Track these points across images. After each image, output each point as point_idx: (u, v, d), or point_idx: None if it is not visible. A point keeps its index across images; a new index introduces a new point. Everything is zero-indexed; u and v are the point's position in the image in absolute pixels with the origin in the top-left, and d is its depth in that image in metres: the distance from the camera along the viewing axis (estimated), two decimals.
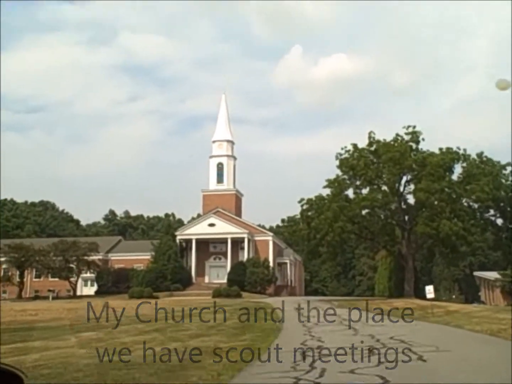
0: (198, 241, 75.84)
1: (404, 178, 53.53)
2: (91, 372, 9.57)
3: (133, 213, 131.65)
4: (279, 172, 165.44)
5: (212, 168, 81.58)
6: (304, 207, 52.44)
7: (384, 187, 53.50)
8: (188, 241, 76.51)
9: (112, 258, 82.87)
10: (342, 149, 53.84)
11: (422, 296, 56.86)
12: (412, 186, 53.37)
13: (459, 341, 13.20)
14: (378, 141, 53.24)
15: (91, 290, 76.55)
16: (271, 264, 73.89)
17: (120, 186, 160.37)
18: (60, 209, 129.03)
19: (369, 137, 53.40)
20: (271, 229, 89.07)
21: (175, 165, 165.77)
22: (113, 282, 72.61)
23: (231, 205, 78.60)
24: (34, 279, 79.96)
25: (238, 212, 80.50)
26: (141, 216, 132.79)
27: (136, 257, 79.55)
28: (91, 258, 72.57)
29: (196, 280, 74.67)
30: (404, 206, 54.57)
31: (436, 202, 49.98)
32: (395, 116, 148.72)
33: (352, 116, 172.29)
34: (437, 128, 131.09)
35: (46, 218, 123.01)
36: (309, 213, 52.40)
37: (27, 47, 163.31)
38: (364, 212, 53.38)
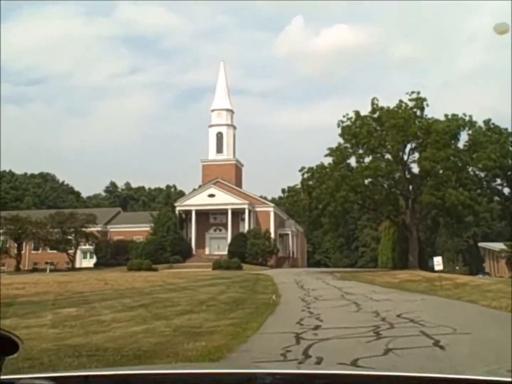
0: (198, 212, 74.39)
1: (408, 146, 51.48)
2: (42, 360, 8.07)
3: (134, 185, 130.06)
4: (280, 143, 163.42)
5: (211, 137, 79.71)
6: (305, 176, 50.72)
7: (388, 156, 51.54)
8: (188, 212, 75.07)
9: (111, 230, 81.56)
10: (344, 116, 51.91)
11: (426, 267, 55.78)
12: (416, 155, 51.53)
13: (477, 320, 11.59)
14: (382, 108, 51.18)
15: (90, 262, 75.38)
16: (272, 235, 72.54)
17: (121, 158, 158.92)
18: (60, 181, 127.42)
19: (372, 104, 51.41)
20: (273, 200, 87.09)
21: (176, 137, 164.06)
22: (112, 254, 71.37)
23: (231, 175, 76.92)
24: (32, 252, 78.79)
25: (239, 183, 78.88)
26: (142, 187, 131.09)
27: (135, 228, 78.18)
28: (89, 230, 71.21)
29: (196, 252, 73.40)
30: (408, 175, 52.77)
31: (441, 171, 48.24)
32: (397, 87, 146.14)
33: (353, 87, 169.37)
34: (441, 99, 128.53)
35: (45, 190, 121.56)
36: (310, 182, 50.65)
37: (26, 18, 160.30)
38: (367, 181, 51.56)
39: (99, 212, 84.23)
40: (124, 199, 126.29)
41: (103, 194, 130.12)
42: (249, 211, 73.79)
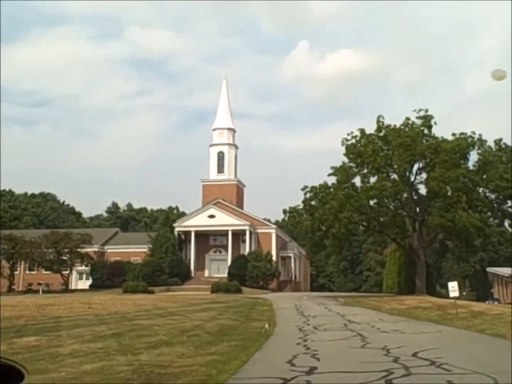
0: (198, 234, 72.15)
1: (416, 166, 49.08)
2: None
3: (136, 206, 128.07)
4: (285, 167, 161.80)
5: (212, 157, 77.64)
6: (308, 195, 48.37)
7: (394, 176, 49.21)
8: (187, 233, 72.82)
9: (109, 250, 79.19)
10: (348, 134, 49.68)
11: (433, 293, 53.22)
12: (424, 175, 49.33)
13: None
14: (388, 126, 49.06)
15: (86, 284, 73.03)
16: (274, 258, 70.20)
17: (125, 180, 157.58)
18: (61, 201, 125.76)
19: (378, 122, 49.15)
20: (276, 223, 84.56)
21: (181, 159, 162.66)
22: (108, 275, 68.97)
23: (232, 196, 74.73)
24: (27, 272, 76.49)
25: (240, 203, 76.67)
26: (145, 209, 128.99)
27: (133, 249, 75.88)
28: (84, 250, 68.97)
29: (195, 274, 71.05)
30: (415, 197, 50.37)
31: (450, 192, 45.93)
32: (402, 112, 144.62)
33: (358, 111, 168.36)
34: (448, 123, 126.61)
35: (45, 210, 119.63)
36: (313, 203, 48.33)
37: (34, 40, 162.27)
38: (372, 202, 49.27)
39: (96, 232, 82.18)
40: (125, 220, 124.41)
41: (105, 215, 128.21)
42: (250, 233, 71.52)
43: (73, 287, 74.45)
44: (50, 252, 66.62)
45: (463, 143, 46.89)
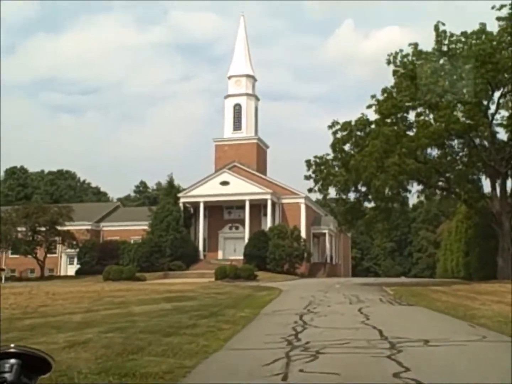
0: (208, 206, 58.24)
1: (497, 94, 33.71)
2: None
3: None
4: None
5: (227, 111, 63.09)
6: (339, 135, 33.11)
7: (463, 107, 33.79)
8: (197, 206, 58.76)
9: (105, 228, 65.77)
10: (397, 53, 34.60)
11: None
12: (505, 113, 34.05)
13: None
14: (452, 36, 33.51)
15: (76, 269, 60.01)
16: (303, 234, 55.73)
17: (165, 163, 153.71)
18: (81, 179, 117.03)
19: (436, 29, 33.45)
20: (317, 202, 68.21)
21: None
22: (99, 258, 55.55)
23: (251, 158, 60.10)
24: (10, 256, 63.80)
25: (261, 168, 61.97)
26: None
27: (133, 227, 62.37)
28: (71, 228, 55.88)
29: (206, 256, 57.15)
30: (495, 144, 34.91)
31: None
32: None
33: None
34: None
35: (60, 188, 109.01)
36: (346, 147, 33.32)
37: (79, 29, 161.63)
38: (431, 150, 34.22)
39: (92, 208, 69.80)
40: (154, 199, 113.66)
41: (133, 195, 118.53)
42: (273, 203, 57.01)
43: (61, 273, 61.89)
44: (20, 230, 53.40)
45: None
